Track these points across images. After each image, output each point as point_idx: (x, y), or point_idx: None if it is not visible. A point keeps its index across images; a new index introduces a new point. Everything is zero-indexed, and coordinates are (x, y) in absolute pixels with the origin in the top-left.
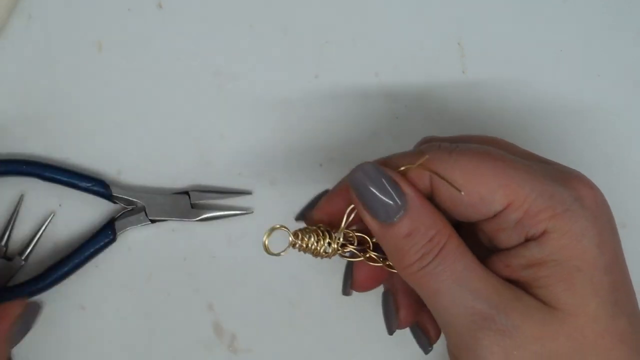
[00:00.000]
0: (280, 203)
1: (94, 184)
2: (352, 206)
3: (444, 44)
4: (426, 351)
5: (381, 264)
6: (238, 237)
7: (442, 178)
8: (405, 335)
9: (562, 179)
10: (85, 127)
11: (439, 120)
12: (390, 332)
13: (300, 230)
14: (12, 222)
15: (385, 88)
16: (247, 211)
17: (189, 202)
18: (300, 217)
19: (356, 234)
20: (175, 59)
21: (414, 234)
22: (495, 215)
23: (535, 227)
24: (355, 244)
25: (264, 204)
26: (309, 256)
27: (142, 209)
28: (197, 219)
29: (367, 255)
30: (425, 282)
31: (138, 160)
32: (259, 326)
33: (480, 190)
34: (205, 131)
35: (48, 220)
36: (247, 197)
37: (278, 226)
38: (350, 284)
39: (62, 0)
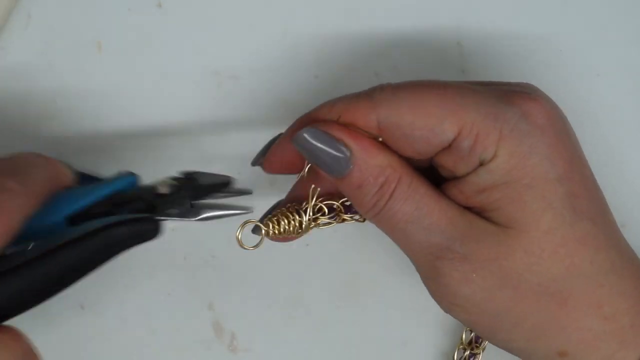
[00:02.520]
0: None
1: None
2: (313, 186)
3: (444, 44)
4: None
5: (356, 221)
6: None
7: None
8: (405, 336)
9: (507, 97)
10: (84, 127)
11: None
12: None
13: (270, 218)
14: None
15: None
16: (247, 211)
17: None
18: (256, 162)
19: (323, 203)
20: (175, 59)
21: (364, 185)
22: (450, 146)
23: (486, 151)
24: (326, 212)
25: (264, 203)
26: (309, 256)
27: None
28: (197, 218)
29: (342, 218)
30: (384, 225)
31: (138, 160)
32: (259, 326)
33: (429, 122)
34: (205, 131)
35: None
36: (247, 196)
37: (250, 221)
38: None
39: (61, 0)
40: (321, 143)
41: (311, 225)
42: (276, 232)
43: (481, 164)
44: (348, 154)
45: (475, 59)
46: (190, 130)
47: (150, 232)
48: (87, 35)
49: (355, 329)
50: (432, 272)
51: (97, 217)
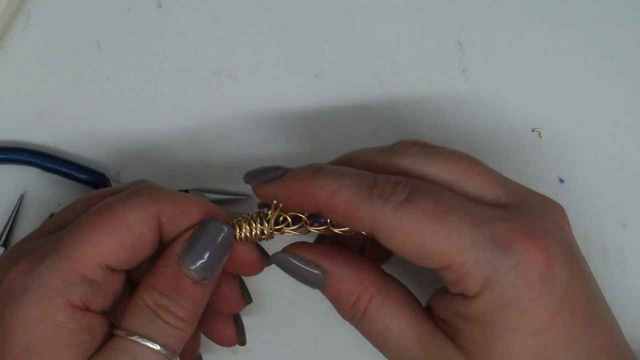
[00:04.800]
0: None
1: (94, 177)
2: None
3: (444, 44)
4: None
5: (323, 232)
6: None
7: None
8: None
9: (506, 241)
10: (84, 126)
11: (439, 120)
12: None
13: (233, 223)
14: (10, 223)
15: (385, 88)
16: (244, 196)
17: None
18: (249, 180)
19: (289, 214)
20: (175, 59)
21: (339, 300)
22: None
23: (468, 290)
24: (291, 223)
25: None
26: None
27: None
28: None
29: (307, 230)
30: (361, 333)
31: (138, 160)
32: (259, 326)
33: (419, 251)
34: (205, 131)
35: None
36: (246, 198)
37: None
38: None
39: (61, 0)
40: (298, 264)
41: (274, 234)
42: (235, 237)
43: (462, 294)
44: (321, 275)
45: (475, 59)
46: (191, 130)
47: None
48: (87, 34)
49: (355, 328)
50: None
51: None
